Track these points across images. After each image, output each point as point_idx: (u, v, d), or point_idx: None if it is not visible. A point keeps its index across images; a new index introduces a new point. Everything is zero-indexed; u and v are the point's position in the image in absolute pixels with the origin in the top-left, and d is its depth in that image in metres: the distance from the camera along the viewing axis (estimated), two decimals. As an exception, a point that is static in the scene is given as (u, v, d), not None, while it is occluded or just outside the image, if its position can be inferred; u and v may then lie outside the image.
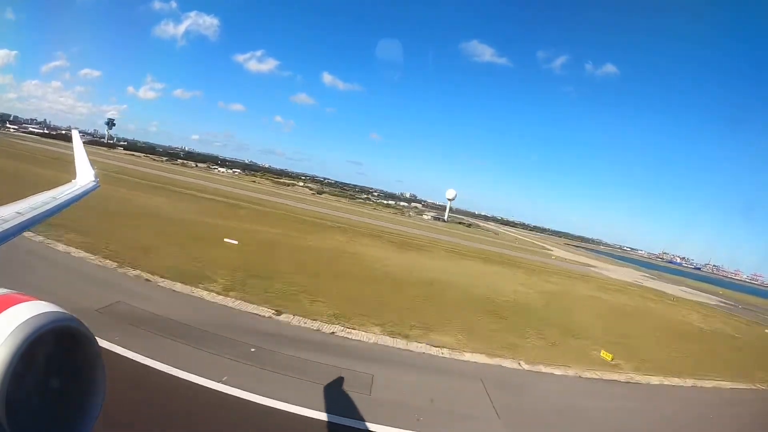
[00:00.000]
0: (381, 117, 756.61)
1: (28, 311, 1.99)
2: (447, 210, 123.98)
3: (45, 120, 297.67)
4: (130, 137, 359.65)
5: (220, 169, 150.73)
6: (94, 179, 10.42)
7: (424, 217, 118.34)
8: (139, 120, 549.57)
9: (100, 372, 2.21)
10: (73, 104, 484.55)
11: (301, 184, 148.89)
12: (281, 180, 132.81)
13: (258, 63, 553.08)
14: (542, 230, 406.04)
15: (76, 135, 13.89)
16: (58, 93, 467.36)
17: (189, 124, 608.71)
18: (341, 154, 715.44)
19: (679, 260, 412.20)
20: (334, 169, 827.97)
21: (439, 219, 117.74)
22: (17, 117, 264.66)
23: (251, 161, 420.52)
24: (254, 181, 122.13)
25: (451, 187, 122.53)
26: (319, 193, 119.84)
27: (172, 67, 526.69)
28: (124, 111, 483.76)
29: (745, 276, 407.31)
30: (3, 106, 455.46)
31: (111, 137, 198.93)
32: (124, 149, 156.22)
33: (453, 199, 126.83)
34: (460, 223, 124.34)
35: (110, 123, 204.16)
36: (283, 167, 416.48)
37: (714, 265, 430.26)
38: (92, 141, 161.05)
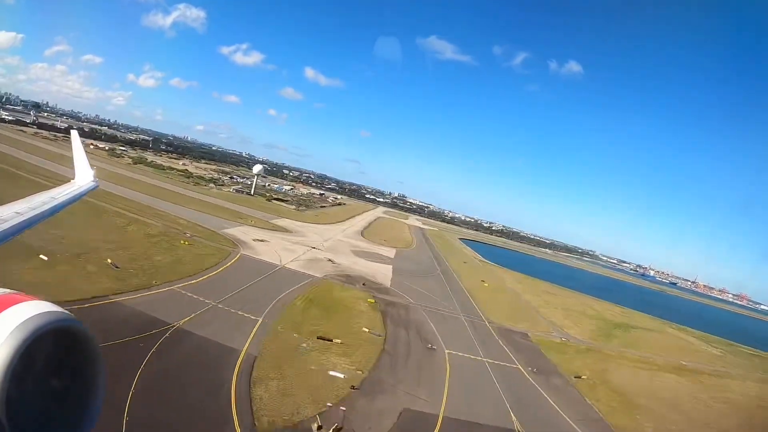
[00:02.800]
0: (370, 115, 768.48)
1: (29, 311, 2.14)
2: (254, 184, 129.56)
3: (46, 102, 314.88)
4: (134, 124, 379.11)
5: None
6: (93, 179, 11.20)
7: (229, 189, 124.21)
8: (145, 107, 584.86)
9: (101, 372, 2.46)
10: (79, 89, 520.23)
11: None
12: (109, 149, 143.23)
13: (247, 56, 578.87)
14: (518, 236, 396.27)
15: (75, 135, 15.15)
16: (64, 77, 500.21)
17: (192, 115, 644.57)
18: (339, 152, 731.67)
19: (653, 273, 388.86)
20: (336, 167, 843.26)
21: (242, 192, 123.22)
22: (10, 97, 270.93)
23: (248, 154, 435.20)
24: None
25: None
26: (136, 163, 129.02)
27: (168, 57, 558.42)
28: (129, 98, 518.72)
29: (730, 295, 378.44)
30: (13, 88, 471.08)
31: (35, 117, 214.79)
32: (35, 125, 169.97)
33: (259, 174, 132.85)
34: (277, 199, 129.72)
35: (32, 105, 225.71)
36: (282, 161, 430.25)
37: (692, 281, 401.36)
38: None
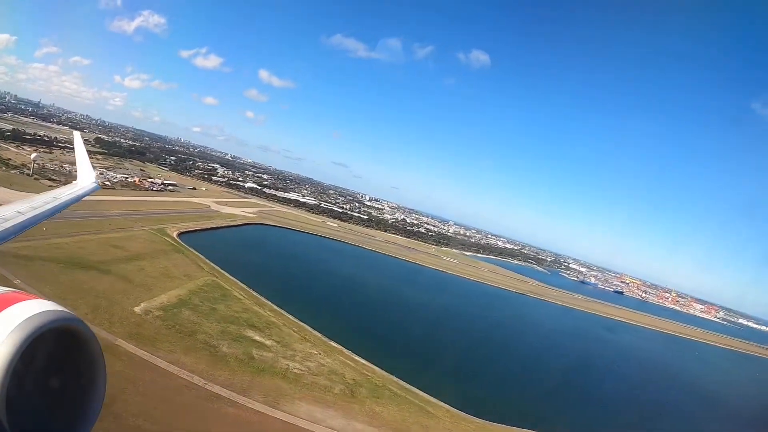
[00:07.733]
0: (331, 116, 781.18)
1: (30, 310, 2.14)
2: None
3: (39, 101, 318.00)
4: (131, 125, 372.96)
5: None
6: (94, 181, 12.41)
7: None
8: (141, 109, 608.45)
9: (101, 372, 2.48)
10: (77, 89, 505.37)
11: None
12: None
13: (207, 60, 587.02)
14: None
15: (77, 137, 16.81)
16: (59, 77, 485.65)
17: (184, 117, 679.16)
18: (323, 155, 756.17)
19: (594, 281, 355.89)
20: (329, 172, 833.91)
21: None
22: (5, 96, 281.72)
23: (233, 156, 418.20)
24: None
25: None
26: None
27: (143, 60, 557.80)
28: (125, 99, 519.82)
29: (699, 307, 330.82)
30: (15, 87, 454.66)
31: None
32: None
33: None
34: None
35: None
36: (270, 165, 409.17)
37: (664, 290, 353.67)
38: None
